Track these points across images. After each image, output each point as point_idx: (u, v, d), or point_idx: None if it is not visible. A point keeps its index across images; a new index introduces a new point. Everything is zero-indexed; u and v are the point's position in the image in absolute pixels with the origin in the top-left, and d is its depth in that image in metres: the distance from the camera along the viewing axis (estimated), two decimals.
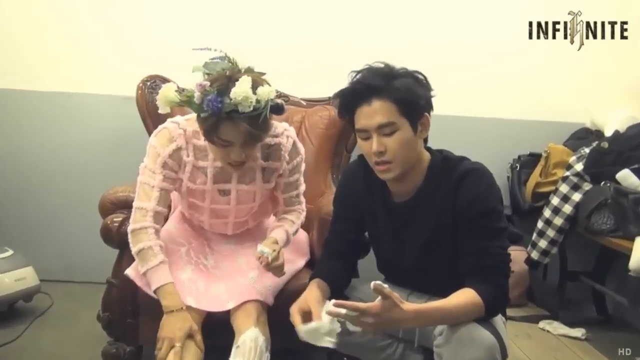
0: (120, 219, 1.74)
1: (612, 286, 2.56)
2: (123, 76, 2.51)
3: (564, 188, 2.38)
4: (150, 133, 1.73)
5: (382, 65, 1.34)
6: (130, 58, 2.63)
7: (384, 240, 1.48)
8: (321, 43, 2.68)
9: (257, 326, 1.50)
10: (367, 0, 2.70)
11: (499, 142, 2.79)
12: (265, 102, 1.40)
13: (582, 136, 2.65)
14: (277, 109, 1.46)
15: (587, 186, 2.34)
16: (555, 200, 2.41)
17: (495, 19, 2.74)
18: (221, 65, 1.44)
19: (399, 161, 1.32)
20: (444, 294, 1.28)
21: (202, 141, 1.57)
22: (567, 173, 2.39)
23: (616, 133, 2.37)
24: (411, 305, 1.22)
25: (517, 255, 2.47)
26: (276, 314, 1.56)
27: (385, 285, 1.17)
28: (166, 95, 1.48)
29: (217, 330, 1.54)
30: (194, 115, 1.52)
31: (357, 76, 1.34)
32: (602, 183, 2.25)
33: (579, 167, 2.37)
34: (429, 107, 1.36)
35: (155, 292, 1.52)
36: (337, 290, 1.45)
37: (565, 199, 2.38)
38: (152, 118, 2.17)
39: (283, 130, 1.65)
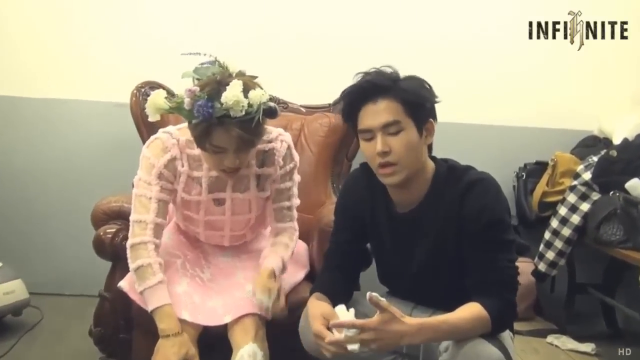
0: (113, 230, 1.74)
1: (623, 299, 2.56)
2: (117, 82, 2.52)
3: (571, 198, 2.39)
4: (145, 141, 1.73)
5: (389, 68, 1.36)
6: (125, 64, 2.63)
7: (387, 252, 1.48)
8: (321, 47, 2.69)
9: (255, 341, 1.50)
10: (366, 6, 2.72)
11: (504, 150, 2.80)
12: (257, 105, 1.41)
13: (590, 144, 2.65)
14: (271, 113, 1.46)
15: (595, 196, 2.34)
16: (562, 211, 2.41)
17: (495, 19, 2.77)
18: (211, 70, 1.44)
19: (404, 164, 1.33)
20: (449, 308, 1.27)
21: (196, 150, 1.57)
22: (575, 182, 2.39)
23: (625, 141, 2.37)
24: (413, 319, 1.22)
25: (524, 267, 2.45)
26: (275, 329, 1.56)
27: (383, 298, 1.18)
28: (155, 102, 1.48)
29: (214, 346, 1.53)
30: (186, 124, 1.52)
31: (364, 76, 1.36)
32: (611, 193, 2.26)
33: (587, 176, 2.37)
34: (433, 113, 1.38)
35: (151, 312, 1.50)
36: (338, 304, 1.44)
37: (573, 209, 2.38)
38: (146, 126, 2.18)
39: (277, 135, 1.64)
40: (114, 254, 1.70)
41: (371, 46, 2.66)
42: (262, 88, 1.45)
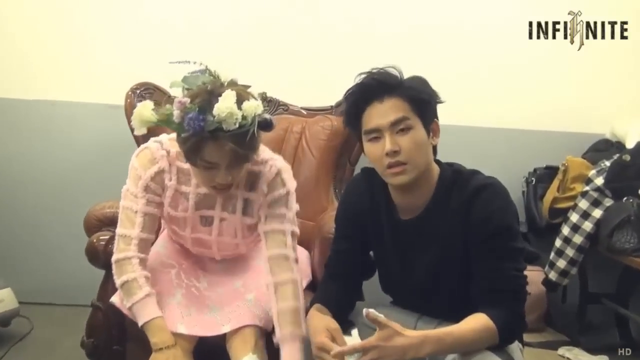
0: (107, 237, 1.74)
1: (637, 309, 2.55)
2: (111, 83, 2.53)
3: (583, 204, 2.38)
4: (139, 145, 1.72)
5: (393, 68, 1.36)
6: (119, 64, 2.64)
7: (390, 260, 1.47)
8: (322, 48, 2.70)
9: (255, 352, 1.49)
10: (369, 9, 2.74)
11: (513, 154, 2.81)
12: (252, 118, 1.36)
13: (602, 148, 2.66)
14: (266, 125, 1.41)
15: (608, 202, 2.34)
16: (574, 217, 2.40)
17: (494, 19, 2.80)
18: (201, 79, 1.40)
19: (414, 163, 1.32)
20: (456, 319, 1.27)
21: (186, 164, 1.52)
22: (587, 188, 2.39)
23: (639, 145, 2.37)
24: (416, 331, 1.21)
25: (534, 276, 2.45)
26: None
27: (380, 314, 1.17)
28: (141, 114, 1.42)
29: (211, 357, 1.53)
30: None
31: (369, 75, 1.36)
32: (625, 199, 2.26)
33: (599, 181, 2.37)
34: (436, 113, 1.39)
35: (142, 327, 1.49)
36: (341, 315, 1.44)
37: (585, 215, 2.37)
38: None
39: (268, 158, 1.57)
40: (108, 262, 1.68)
41: (373, 48, 2.67)
42: (256, 98, 1.40)
